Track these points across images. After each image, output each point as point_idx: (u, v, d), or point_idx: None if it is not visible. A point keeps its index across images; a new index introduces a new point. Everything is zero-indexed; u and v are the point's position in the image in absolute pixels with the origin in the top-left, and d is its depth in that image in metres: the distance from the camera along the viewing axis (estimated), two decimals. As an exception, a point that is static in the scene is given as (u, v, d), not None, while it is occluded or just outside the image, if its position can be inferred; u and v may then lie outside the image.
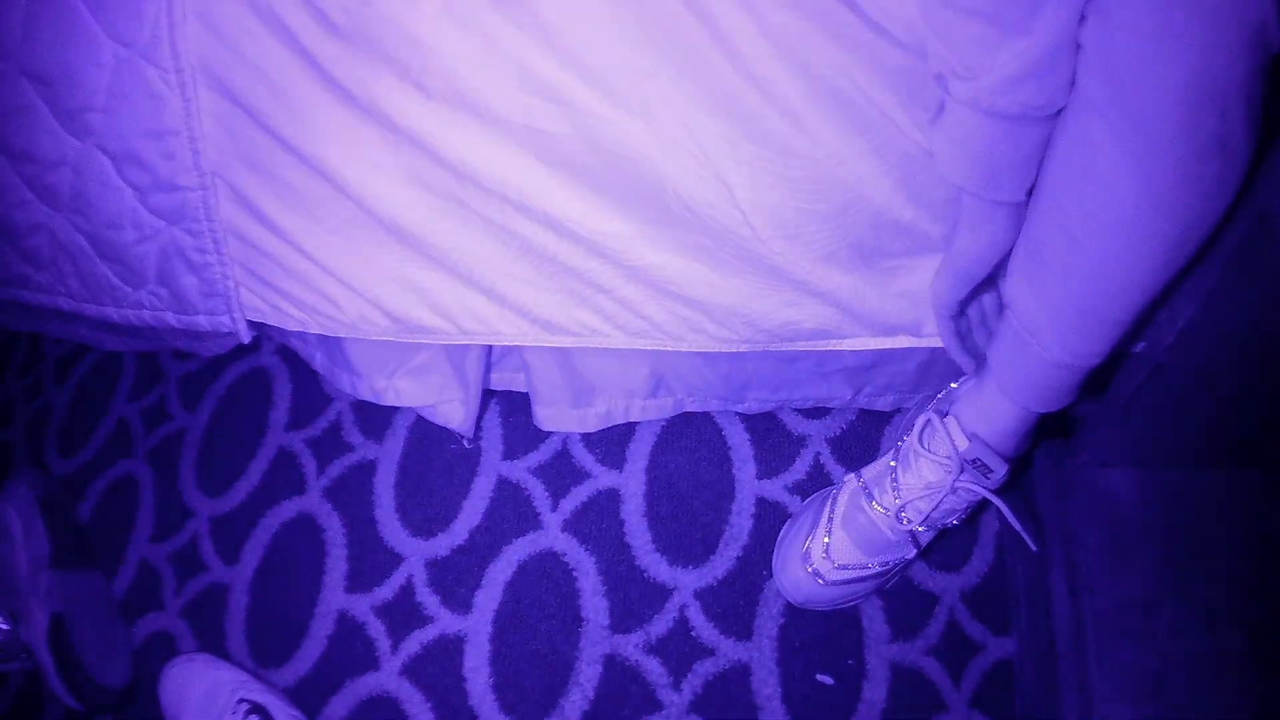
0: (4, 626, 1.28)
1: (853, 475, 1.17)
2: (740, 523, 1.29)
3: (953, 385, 1.13)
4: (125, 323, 1.32)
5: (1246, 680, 0.97)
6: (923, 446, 1.09)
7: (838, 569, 1.15)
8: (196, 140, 1.12)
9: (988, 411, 1.05)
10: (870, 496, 1.13)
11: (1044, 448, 1.14)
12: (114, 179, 1.20)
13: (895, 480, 1.11)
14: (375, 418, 1.44)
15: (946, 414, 1.08)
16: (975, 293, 1.03)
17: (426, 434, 1.42)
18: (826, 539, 1.15)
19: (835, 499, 1.17)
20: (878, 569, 1.15)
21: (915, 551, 1.15)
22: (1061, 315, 0.92)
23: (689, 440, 1.36)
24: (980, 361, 1.07)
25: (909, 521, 1.11)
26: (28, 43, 1.17)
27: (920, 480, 1.09)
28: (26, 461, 1.59)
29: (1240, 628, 0.99)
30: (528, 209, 1.04)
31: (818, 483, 1.30)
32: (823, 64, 0.92)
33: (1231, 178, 0.79)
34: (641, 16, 0.93)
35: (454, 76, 0.99)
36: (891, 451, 1.14)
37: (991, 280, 1.03)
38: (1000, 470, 1.06)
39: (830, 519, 1.16)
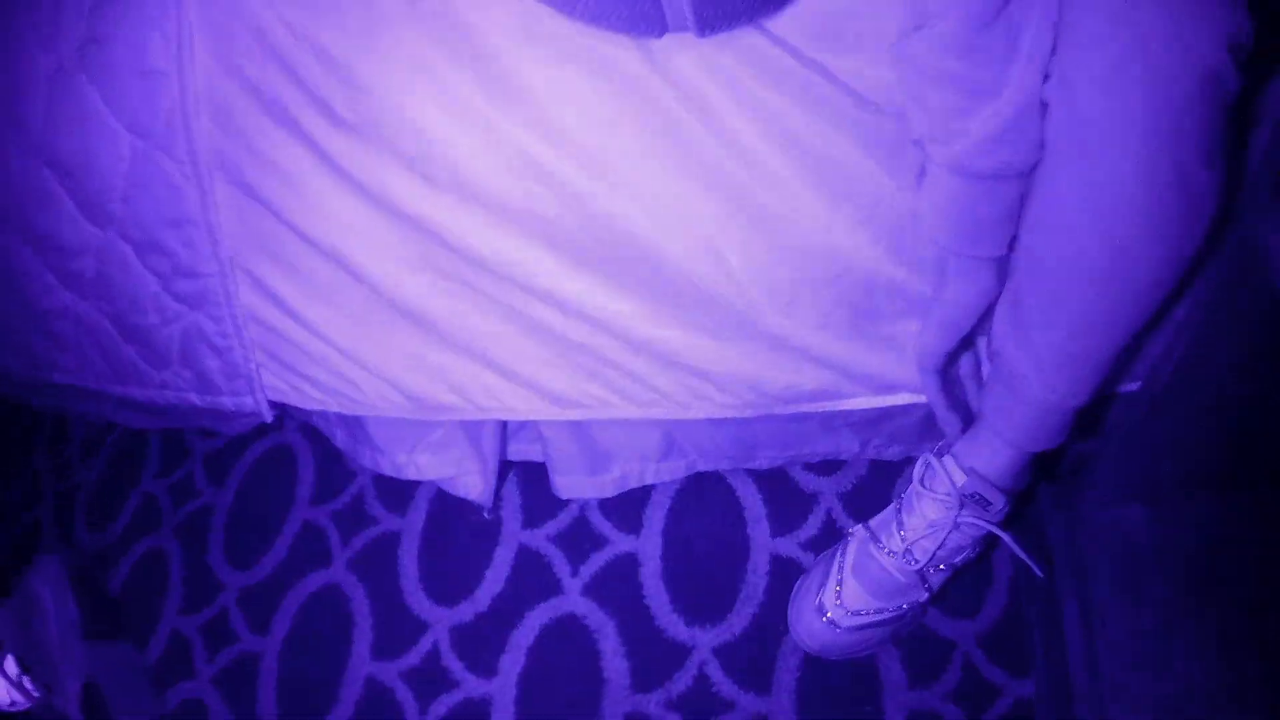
0: (37, 695, 1.33)
1: (860, 526, 1.20)
2: (756, 580, 1.33)
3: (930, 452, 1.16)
4: (150, 403, 1.38)
5: (1264, 700, 0.99)
6: (923, 487, 1.12)
7: (851, 615, 1.18)
8: (214, 229, 1.18)
9: (983, 452, 1.09)
10: (878, 543, 1.16)
11: (1053, 489, 1.18)
12: (136, 266, 1.25)
13: (900, 523, 1.15)
14: (397, 491, 1.49)
15: (944, 455, 1.12)
16: (963, 346, 1.08)
17: (447, 505, 1.46)
18: (838, 588, 1.18)
19: (845, 549, 1.20)
20: (891, 613, 1.18)
21: (927, 595, 1.18)
22: (1045, 360, 0.97)
23: (703, 503, 1.40)
24: (965, 422, 1.12)
25: (917, 561, 1.15)
26: (49, 133, 1.23)
27: (924, 520, 1.13)
28: (56, 537, 1.65)
29: (1256, 649, 1.01)
30: (534, 290, 1.09)
31: (831, 538, 1.33)
32: (808, 137, 0.98)
33: (1199, 220, 0.84)
34: (633, 103, 0.99)
35: (456, 167, 1.04)
36: (896, 499, 1.18)
37: (976, 335, 1.08)
38: (999, 502, 1.10)
39: (841, 569, 1.19)
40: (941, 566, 1.16)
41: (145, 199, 1.21)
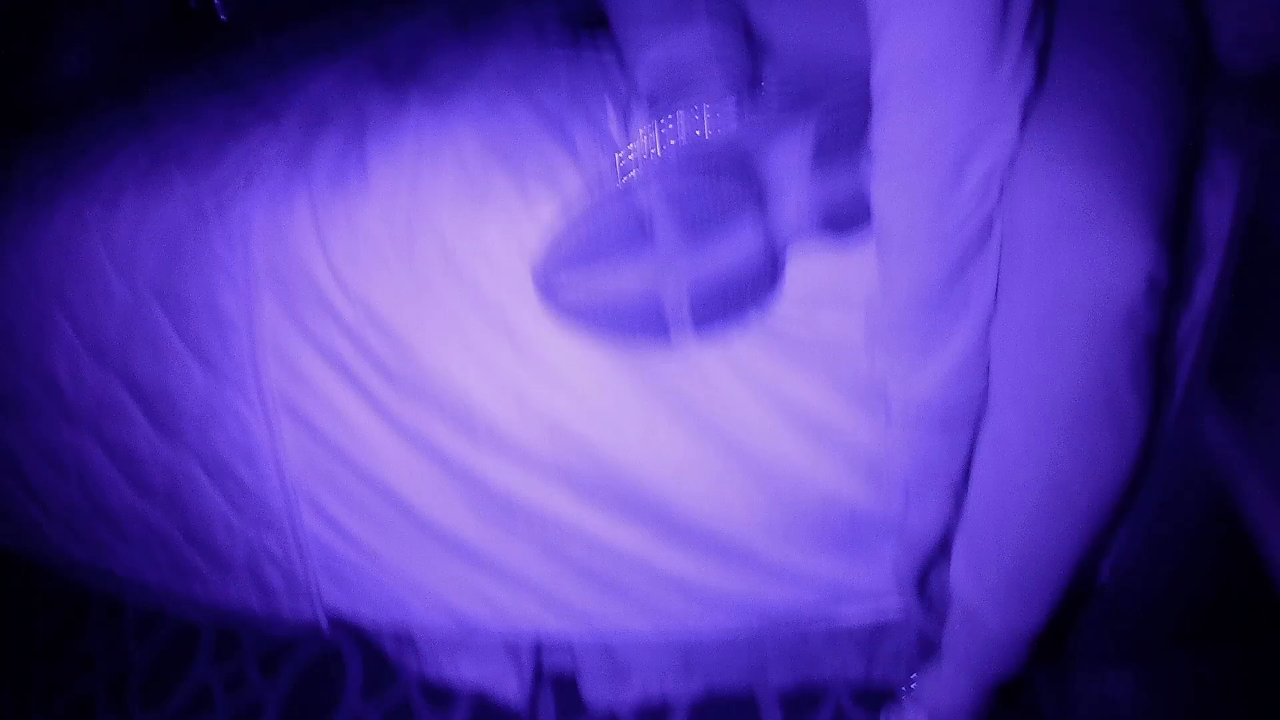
0: None
1: None
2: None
3: (902, 691, 1.26)
4: (211, 604, 1.53)
5: None
6: None
7: None
8: (281, 463, 1.34)
9: (944, 689, 1.18)
10: None
11: (1043, 664, 1.25)
12: (206, 486, 1.42)
13: None
14: (441, 694, 1.62)
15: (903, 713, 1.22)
16: (934, 567, 1.19)
17: (488, 708, 1.58)
18: None
19: None
20: None
21: None
22: (999, 591, 1.08)
23: (722, 699, 1.52)
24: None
25: None
26: (126, 356, 1.40)
27: None
28: (111, 715, 1.75)
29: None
30: (563, 526, 1.26)
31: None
32: (797, 391, 1.15)
33: (1128, 447, 0.96)
34: (643, 373, 1.17)
35: (494, 425, 1.22)
36: None
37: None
38: None
39: None
40: None
41: (216, 429, 1.37)
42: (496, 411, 1.22)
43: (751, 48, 1.21)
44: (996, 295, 0.95)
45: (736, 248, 1.07)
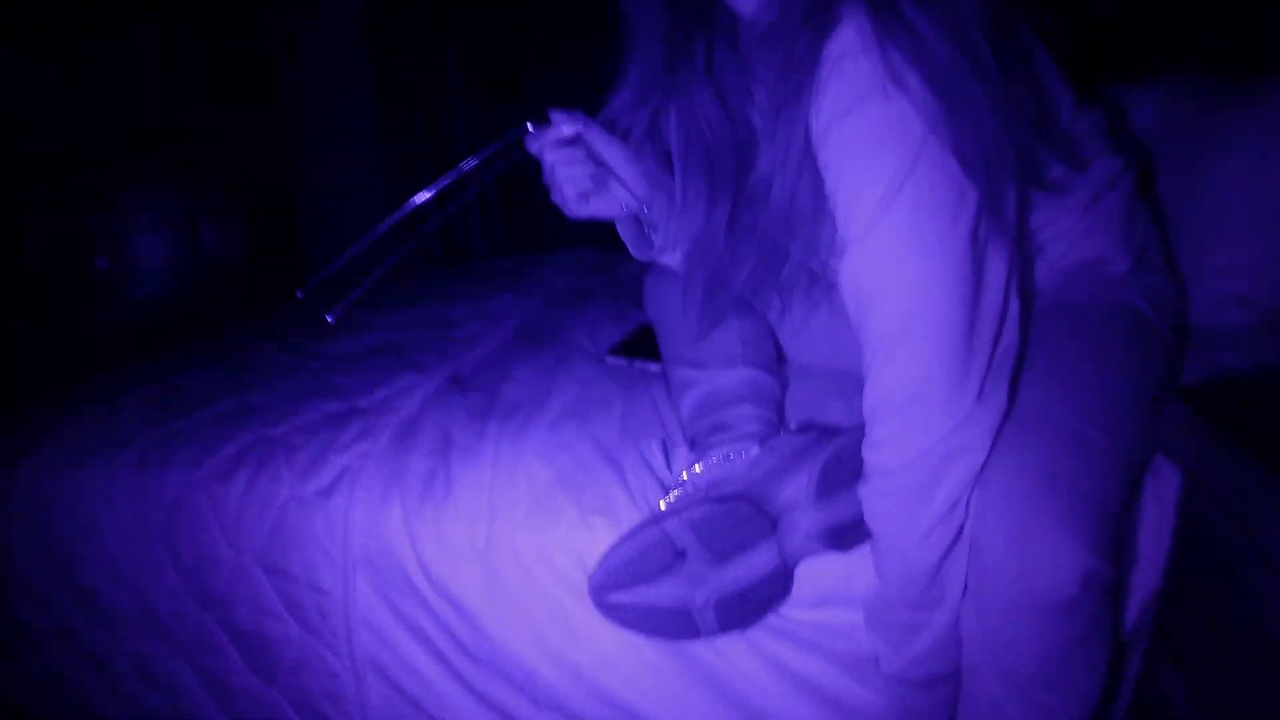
0: None
1: None
2: None
3: None
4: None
5: None
6: None
7: None
8: (365, 708, 1.62)
9: None
10: None
11: None
12: (291, 718, 1.68)
13: None
14: None
15: None
16: None
17: None
18: None
19: None
20: None
21: None
22: None
23: None
24: None
25: None
26: (228, 604, 1.65)
27: None
28: None
29: None
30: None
31: None
32: (803, 668, 1.41)
33: (1082, 703, 1.14)
34: (674, 653, 1.44)
35: (554, 692, 1.51)
36: None
37: None
38: None
39: None
40: None
41: (307, 675, 1.64)
42: (556, 681, 1.49)
43: (780, 371, 1.52)
44: (965, 584, 1.16)
45: (754, 567, 1.31)
